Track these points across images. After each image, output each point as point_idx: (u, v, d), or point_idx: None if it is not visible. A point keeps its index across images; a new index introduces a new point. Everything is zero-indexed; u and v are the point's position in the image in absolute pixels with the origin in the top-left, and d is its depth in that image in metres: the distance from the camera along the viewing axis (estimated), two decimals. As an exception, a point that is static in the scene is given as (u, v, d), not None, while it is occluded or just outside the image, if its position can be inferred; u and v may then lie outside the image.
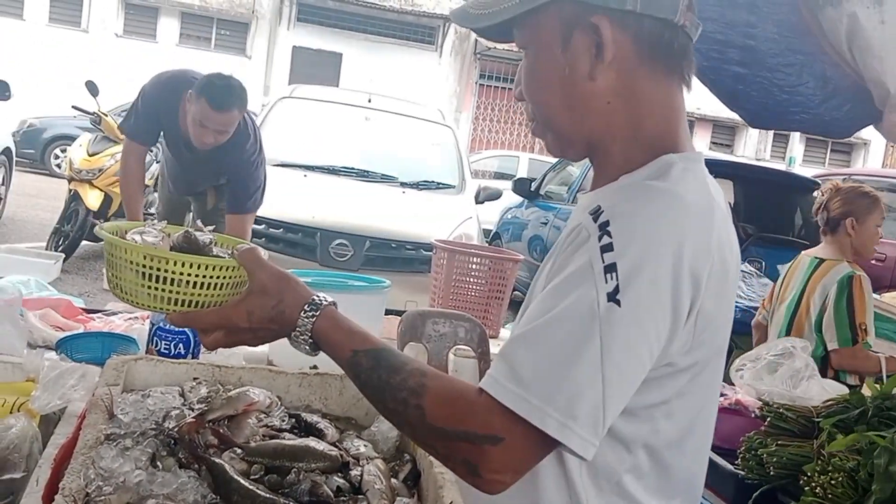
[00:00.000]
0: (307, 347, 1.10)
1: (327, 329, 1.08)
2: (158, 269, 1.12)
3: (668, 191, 1.03)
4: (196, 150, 3.46)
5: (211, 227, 1.27)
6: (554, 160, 10.82)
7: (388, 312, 2.64)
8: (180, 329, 1.80)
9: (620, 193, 1.05)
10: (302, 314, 1.08)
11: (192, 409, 1.20)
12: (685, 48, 1.13)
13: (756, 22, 2.24)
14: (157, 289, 1.13)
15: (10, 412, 1.14)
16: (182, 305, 1.14)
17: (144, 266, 1.13)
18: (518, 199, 8.66)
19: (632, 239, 0.98)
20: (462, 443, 0.95)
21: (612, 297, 0.95)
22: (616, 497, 1.08)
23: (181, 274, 1.12)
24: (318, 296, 1.11)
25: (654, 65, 1.11)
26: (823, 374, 2.71)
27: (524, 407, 0.93)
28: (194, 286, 1.13)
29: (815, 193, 6.34)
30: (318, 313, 1.09)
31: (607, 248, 0.97)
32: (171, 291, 1.13)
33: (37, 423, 1.14)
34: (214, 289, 1.15)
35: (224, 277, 1.15)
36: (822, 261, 3.28)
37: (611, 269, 0.96)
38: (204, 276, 1.14)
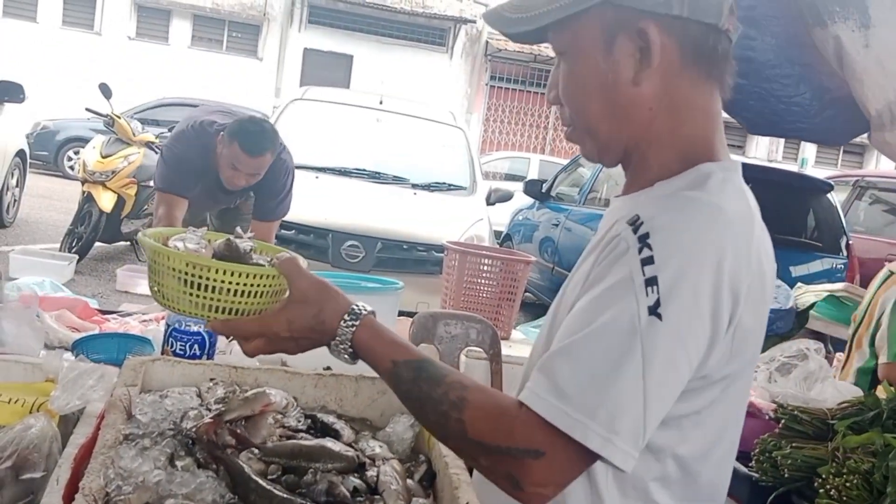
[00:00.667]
0: (346, 356, 1.11)
1: (367, 339, 1.09)
2: (200, 277, 1.13)
3: (708, 202, 1.02)
4: (229, 190, 3.51)
5: (250, 234, 1.28)
6: (565, 161, 10.81)
7: (399, 314, 2.65)
8: (195, 331, 1.82)
9: (659, 204, 1.04)
10: (342, 323, 1.09)
11: (210, 410, 1.21)
12: (727, 53, 1.12)
13: (755, 35, 2.26)
14: (198, 296, 1.14)
15: (30, 412, 1.15)
16: (223, 313, 1.15)
17: (186, 273, 1.14)
18: (529, 200, 8.66)
19: (673, 252, 0.98)
20: (504, 457, 0.96)
21: (654, 310, 0.95)
22: None
23: (222, 282, 1.14)
24: (357, 305, 1.12)
25: (696, 70, 1.10)
26: (872, 388, 2.66)
27: (566, 422, 0.94)
28: (235, 294, 1.14)
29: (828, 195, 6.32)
30: (357, 322, 1.09)
31: (648, 261, 0.97)
32: (212, 299, 1.14)
33: (56, 423, 1.15)
34: (255, 297, 1.16)
35: (264, 286, 1.16)
36: (891, 273, 3.22)
37: (652, 282, 0.96)
38: (245, 285, 1.14)
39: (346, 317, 1.09)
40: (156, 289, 1.19)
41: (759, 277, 1.04)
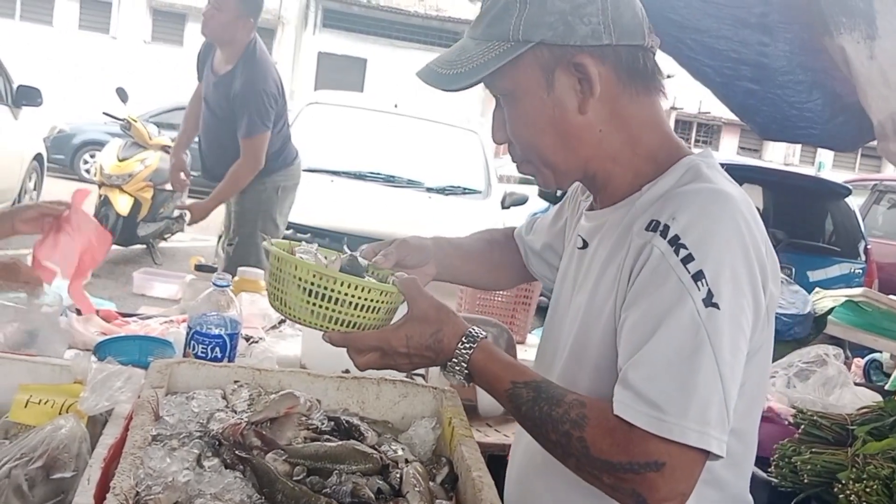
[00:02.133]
0: (461, 377, 1.16)
1: (484, 361, 1.14)
2: (325, 288, 1.18)
3: (715, 190, 1.09)
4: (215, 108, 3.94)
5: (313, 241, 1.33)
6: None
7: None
8: (216, 334, 1.83)
9: (671, 203, 1.09)
10: (459, 345, 1.14)
11: (235, 412, 1.23)
12: (655, 65, 1.20)
13: (768, 41, 2.27)
14: (320, 306, 1.19)
15: (60, 413, 1.17)
16: (339, 325, 1.20)
17: (312, 283, 1.18)
18: (544, 204, 8.65)
19: (707, 244, 1.03)
20: (627, 473, 1.00)
21: (709, 302, 1.01)
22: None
23: (345, 294, 1.18)
24: (473, 328, 1.17)
25: (634, 86, 1.17)
26: None
27: (665, 427, 0.98)
28: (355, 307, 1.19)
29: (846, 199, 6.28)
30: (475, 345, 1.15)
31: (688, 259, 1.03)
32: (333, 310, 1.19)
33: (84, 424, 1.16)
34: (372, 312, 1.21)
35: (383, 302, 1.21)
36: None
37: (698, 276, 1.02)
38: (366, 299, 1.19)
39: (463, 339, 1.15)
40: (277, 296, 1.24)
41: (768, 245, 1.12)
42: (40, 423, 1.14)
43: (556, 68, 1.14)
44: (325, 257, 1.29)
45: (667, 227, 1.05)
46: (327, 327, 1.20)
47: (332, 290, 1.18)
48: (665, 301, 1.02)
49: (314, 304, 1.19)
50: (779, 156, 21.42)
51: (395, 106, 6.89)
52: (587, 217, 1.29)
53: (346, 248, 1.34)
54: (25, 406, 1.20)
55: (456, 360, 1.14)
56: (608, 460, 1.01)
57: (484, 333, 1.16)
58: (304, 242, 1.33)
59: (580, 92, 1.15)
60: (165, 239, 8.04)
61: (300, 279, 1.19)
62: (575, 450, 1.03)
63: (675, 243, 1.04)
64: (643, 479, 0.98)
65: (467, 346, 1.14)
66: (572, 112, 1.16)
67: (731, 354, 1.01)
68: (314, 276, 1.18)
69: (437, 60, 1.22)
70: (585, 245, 1.27)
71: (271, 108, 3.96)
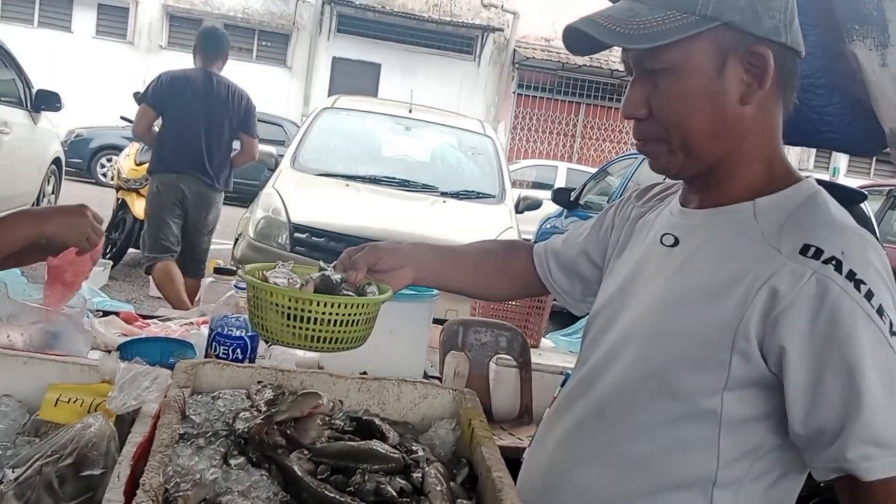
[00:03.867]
0: None
1: None
2: (301, 310, 1.23)
3: (853, 225, 1.15)
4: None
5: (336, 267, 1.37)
6: (593, 170, 10.78)
7: (430, 321, 2.66)
8: (237, 335, 1.86)
9: (826, 233, 1.13)
10: None
11: (260, 411, 1.25)
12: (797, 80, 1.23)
13: None
14: (299, 328, 1.24)
15: (88, 412, 1.20)
16: (322, 342, 1.26)
17: (288, 307, 1.23)
18: (557, 208, 8.66)
19: (876, 278, 1.09)
20: None
21: (892, 331, 1.07)
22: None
23: (322, 313, 1.23)
24: None
25: (782, 92, 1.19)
26: None
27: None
28: (334, 324, 1.24)
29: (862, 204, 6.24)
30: None
31: (869, 295, 1.07)
32: (312, 329, 1.24)
33: (112, 423, 1.19)
34: (351, 325, 1.26)
35: (360, 314, 1.27)
36: None
37: (881, 311, 1.07)
38: (343, 314, 1.25)
39: None
40: (258, 322, 1.29)
41: None
42: (70, 422, 1.17)
43: (731, 53, 1.14)
44: (300, 277, 1.32)
45: (839, 262, 1.08)
46: (311, 346, 1.25)
47: (309, 311, 1.22)
48: (860, 342, 1.05)
49: (294, 327, 1.24)
50: (793, 160, 21.21)
51: (410, 111, 6.92)
52: (683, 214, 1.30)
53: (321, 263, 1.38)
54: (55, 405, 1.22)
55: None
56: None
57: None
58: (279, 263, 1.37)
59: (745, 82, 1.15)
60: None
61: (277, 304, 1.24)
62: None
63: (852, 278, 1.07)
64: None
65: None
66: (733, 101, 1.16)
67: None
68: (290, 300, 1.23)
69: (599, 15, 1.17)
70: (677, 242, 1.27)
71: None
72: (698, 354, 1.17)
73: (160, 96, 5.04)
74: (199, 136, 5.03)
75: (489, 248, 1.70)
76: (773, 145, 1.23)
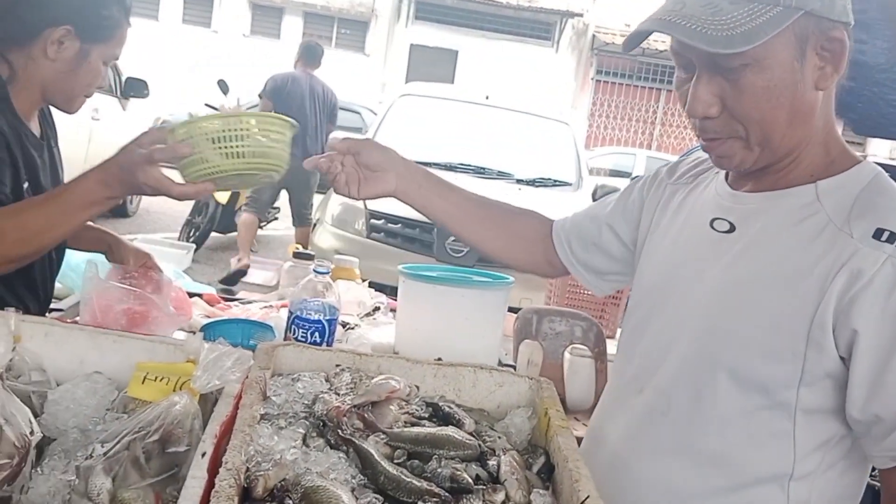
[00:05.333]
0: None
1: None
2: (231, 130, 1.43)
3: None
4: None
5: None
6: (673, 158, 10.53)
7: (505, 310, 2.65)
8: (316, 319, 1.88)
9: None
10: None
11: (338, 394, 1.26)
12: None
13: (866, 38, 2.23)
14: (229, 147, 1.43)
15: (174, 390, 1.23)
16: (251, 157, 1.44)
17: (220, 132, 1.43)
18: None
19: None
20: None
21: None
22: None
23: (247, 130, 1.44)
24: None
25: (840, 74, 1.17)
26: None
27: None
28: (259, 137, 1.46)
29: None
30: None
31: None
32: (240, 146, 1.43)
33: (196, 402, 1.22)
34: (271, 140, 1.48)
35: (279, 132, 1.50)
36: None
37: None
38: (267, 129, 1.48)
39: None
40: (194, 168, 1.45)
41: None
42: (156, 400, 1.20)
43: (810, 40, 1.11)
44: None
45: None
46: (238, 165, 1.43)
47: (238, 130, 1.42)
48: None
49: (225, 147, 1.42)
50: (884, 150, 20.48)
51: (487, 97, 6.90)
52: (735, 198, 1.26)
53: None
54: (142, 382, 1.26)
55: None
56: None
57: None
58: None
59: (820, 67, 1.13)
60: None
61: (207, 134, 1.42)
62: None
63: None
64: None
65: None
66: (810, 88, 1.14)
67: None
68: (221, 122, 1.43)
69: (677, 14, 1.10)
70: (733, 228, 1.24)
71: None
72: (770, 345, 1.14)
73: (275, 91, 6.79)
74: (300, 125, 5.86)
75: (499, 203, 1.67)
76: (831, 126, 1.19)
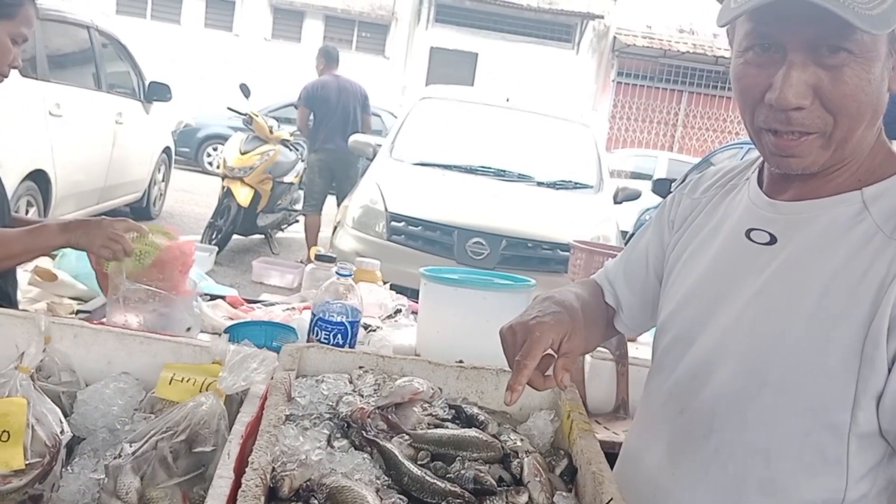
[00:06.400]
0: None
1: None
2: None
3: None
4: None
5: None
6: (695, 160, 10.47)
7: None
8: (338, 321, 1.90)
9: None
10: None
11: (362, 396, 1.28)
12: None
13: None
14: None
15: (200, 391, 1.25)
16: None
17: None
18: (656, 199, 8.47)
19: None
20: None
21: None
22: None
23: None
24: None
25: None
26: None
27: None
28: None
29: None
30: None
31: None
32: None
33: (222, 402, 1.24)
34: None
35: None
36: None
37: None
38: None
39: None
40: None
41: None
42: (183, 400, 1.22)
43: (895, 40, 1.06)
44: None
45: None
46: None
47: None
48: None
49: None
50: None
51: (507, 100, 6.90)
52: (774, 208, 1.19)
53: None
54: (170, 383, 1.28)
55: None
56: None
57: None
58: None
59: (894, 68, 1.08)
60: (283, 229, 8.35)
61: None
62: None
63: None
64: None
65: None
66: (888, 87, 1.08)
67: None
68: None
69: None
70: (774, 239, 1.17)
71: None
72: (821, 363, 1.07)
73: (309, 99, 7.38)
74: (339, 119, 7.34)
75: (586, 304, 1.38)
76: (879, 130, 1.14)
